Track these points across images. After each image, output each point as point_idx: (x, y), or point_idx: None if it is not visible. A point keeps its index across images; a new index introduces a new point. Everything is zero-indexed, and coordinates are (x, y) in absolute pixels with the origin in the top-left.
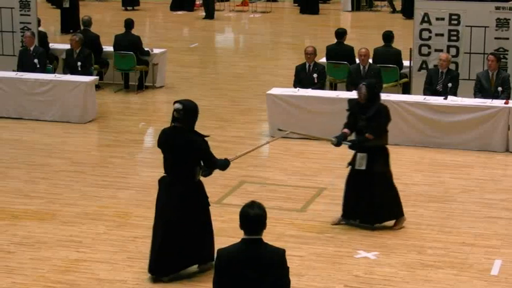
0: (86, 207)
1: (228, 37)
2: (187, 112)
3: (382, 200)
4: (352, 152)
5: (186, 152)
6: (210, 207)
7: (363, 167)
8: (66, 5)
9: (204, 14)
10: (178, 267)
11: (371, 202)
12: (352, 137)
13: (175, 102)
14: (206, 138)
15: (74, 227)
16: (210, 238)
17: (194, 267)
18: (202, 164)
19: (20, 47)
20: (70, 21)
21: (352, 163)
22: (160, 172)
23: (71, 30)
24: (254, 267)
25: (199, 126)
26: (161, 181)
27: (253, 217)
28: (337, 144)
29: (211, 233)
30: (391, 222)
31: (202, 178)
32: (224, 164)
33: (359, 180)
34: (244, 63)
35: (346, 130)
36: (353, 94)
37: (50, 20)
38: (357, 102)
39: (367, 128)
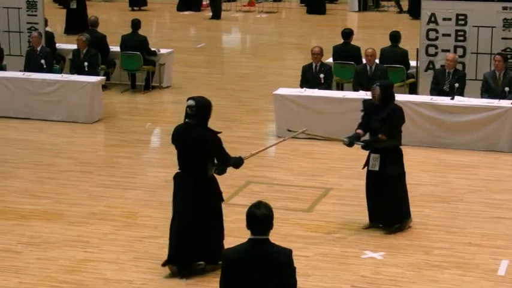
0: (92, 207)
1: (235, 37)
2: (199, 109)
3: (394, 201)
4: (365, 153)
5: (197, 148)
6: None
7: (376, 168)
8: (74, 6)
9: (210, 14)
10: (190, 263)
11: (384, 204)
12: (367, 137)
13: (189, 98)
14: (219, 135)
15: (81, 227)
16: (220, 238)
17: (201, 266)
18: (215, 160)
19: (27, 47)
20: (76, 23)
21: (366, 164)
22: (167, 172)
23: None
24: (261, 268)
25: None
26: (175, 177)
27: (260, 217)
28: (349, 144)
29: (222, 233)
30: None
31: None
32: (237, 162)
33: (373, 181)
34: (251, 63)
35: (359, 131)
36: (361, 94)
37: (57, 20)
38: (371, 102)
39: (381, 128)
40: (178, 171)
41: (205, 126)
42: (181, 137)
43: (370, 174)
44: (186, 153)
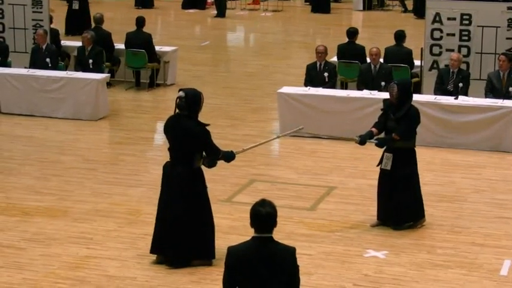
0: (97, 204)
1: (240, 36)
2: (189, 100)
3: (403, 202)
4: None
5: (185, 139)
6: (215, 205)
7: (388, 168)
8: (76, 6)
9: (215, 12)
10: (180, 259)
11: (394, 204)
12: (382, 136)
13: (180, 90)
14: (208, 128)
15: (85, 223)
16: (211, 233)
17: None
18: (204, 153)
19: (32, 44)
20: (77, 24)
21: (380, 163)
22: None
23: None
24: (265, 266)
25: (212, 125)
26: (164, 167)
27: (265, 215)
28: (361, 143)
29: (212, 228)
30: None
31: (209, 170)
32: (228, 156)
33: (385, 180)
34: (256, 61)
35: (373, 129)
36: (365, 93)
37: (62, 17)
38: (391, 102)
39: (396, 128)
40: (168, 160)
41: (194, 118)
42: (170, 127)
43: (382, 173)
44: (176, 143)
